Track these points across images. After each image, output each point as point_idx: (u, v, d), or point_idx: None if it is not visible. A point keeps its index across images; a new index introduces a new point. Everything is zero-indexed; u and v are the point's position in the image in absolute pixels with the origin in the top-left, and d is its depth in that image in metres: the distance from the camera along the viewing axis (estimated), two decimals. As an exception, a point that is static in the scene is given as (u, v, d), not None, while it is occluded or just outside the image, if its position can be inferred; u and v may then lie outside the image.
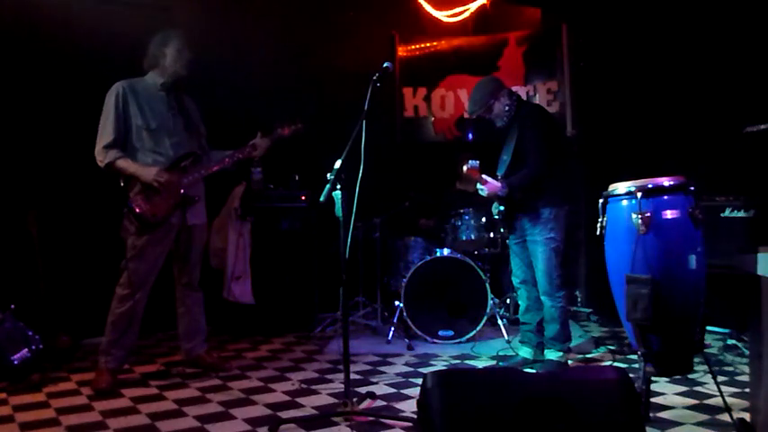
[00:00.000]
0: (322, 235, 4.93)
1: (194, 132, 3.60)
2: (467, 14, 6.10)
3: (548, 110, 4.36)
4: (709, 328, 4.08)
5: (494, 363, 3.90)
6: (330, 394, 3.25)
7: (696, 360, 2.90)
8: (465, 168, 3.61)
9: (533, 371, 3.62)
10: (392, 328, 4.51)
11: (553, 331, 3.65)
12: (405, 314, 4.44)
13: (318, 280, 5.01)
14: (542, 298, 3.69)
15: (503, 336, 4.41)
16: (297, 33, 5.51)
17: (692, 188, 2.83)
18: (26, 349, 3.48)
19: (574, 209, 3.86)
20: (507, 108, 3.75)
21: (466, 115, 6.01)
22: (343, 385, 2.91)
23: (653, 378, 2.82)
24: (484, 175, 3.66)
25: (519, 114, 3.74)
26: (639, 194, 2.78)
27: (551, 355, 3.67)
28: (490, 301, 4.40)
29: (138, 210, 3.32)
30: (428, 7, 6.02)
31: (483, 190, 3.69)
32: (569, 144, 5.46)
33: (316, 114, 5.16)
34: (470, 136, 6.07)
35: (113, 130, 3.34)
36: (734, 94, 4.33)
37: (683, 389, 3.20)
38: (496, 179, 3.71)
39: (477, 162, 3.62)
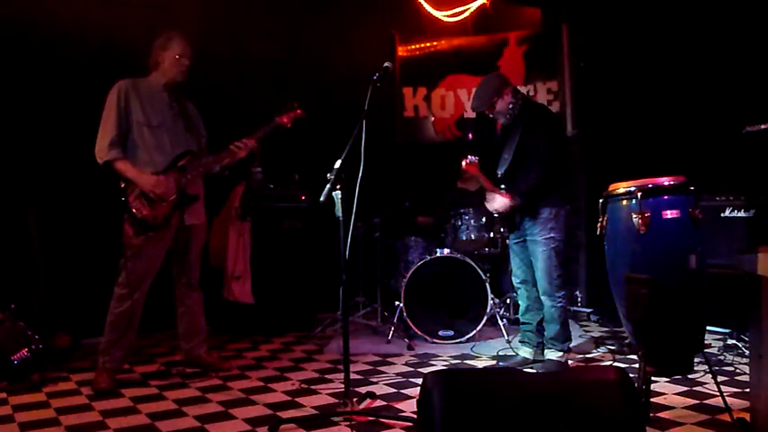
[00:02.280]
0: (322, 235, 4.93)
1: (194, 134, 3.60)
2: (467, 14, 6.09)
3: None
4: (709, 328, 4.09)
5: (494, 363, 3.90)
6: (330, 394, 3.24)
7: (696, 360, 2.91)
8: (464, 163, 3.61)
9: (533, 371, 3.62)
10: (392, 328, 4.51)
11: (553, 331, 3.65)
12: (405, 314, 4.44)
13: (318, 280, 5.00)
14: (542, 298, 3.68)
15: (503, 336, 4.40)
16: (297, 33, 5.51)
17: (692, 188, 2.83)
18: (26, 349, 3.47)
19: (574, 208, 3.86)
20: (511, 106, 3.71)
21: (467, 114, 6.03)
22: (343, 385, 2.91)
23: (653, 378, 2.82)
24: (486, 181, 3.66)
25: (524, 113, 3.70)
26: (639, 194, 2.79)
27: (552, 354, 3.67)
28: (490, 301, 4.39)
29: (138, 214, 3.31)
30: (428, 7, 6.01)
31: (493, 202, 3.69)
32: (570, 144, 5.46)
33: (315, 114, 5.15)
34: (470, 136, 6.07)
35: (115, 127, 3.34)
36: (734, 94, 4.33)
37: (683, 389, 3.19)
38: (496, 177, 3.71)
39: (477, 158, 3.61)
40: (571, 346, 3.77)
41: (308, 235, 5.02)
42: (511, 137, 3.73)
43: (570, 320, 4.02)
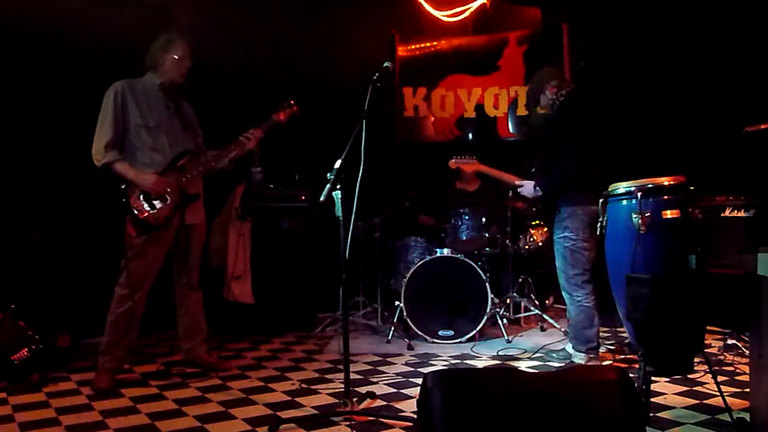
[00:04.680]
0: (322, 235, 4.93)
1: (191, 132, 3.60)
2: (467, 14, 6.09)
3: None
4: (709, 328, 4.08)
5: (493, 363, 3.90)
6: (330, 394, 3.24)
7: (696, 360, 2.91)
8: (450, 163, 3.66)
9: (534, 371, 3.62)
10: (392, 328, 4.51)
11: (571, 330, 3.64)
12: (405, 314, 4.44)
13: (318, 280, 5.00)
14: (563, 294, 3.66)
15: (503, 336, 4.40)
16: (297, 33, 5.51)
17: (692, 188, 2.83)
18: (26, 349, 3.47)
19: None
20: (551, 102, 3.69)
21: (466, 114, 6.03)
22: (343, 385, 2.91)
23: (653, 378, 2.82)
24: (492, 170, 3.71)
25: (561, 109, 3.64)
26: (639, 194, 2.79)
27: (575, 358, 3.62)
28: (490, 302, 4.39)
29: (139, 215, 3.31)
30: (428, 7, 6.02)
31: (523, 189, 3.75)
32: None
33: (315, 114, 5.16)
34: (470, 136, 6.07)
35: (112, 129, 3.33)
36: (734, 94, 4.33)
37: (683, 389, 3.20)
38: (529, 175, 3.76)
39: (471, 158, 3.64)
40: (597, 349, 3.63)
41: (308, 235, 5.02)
42: (548, 133, 3.68)
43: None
